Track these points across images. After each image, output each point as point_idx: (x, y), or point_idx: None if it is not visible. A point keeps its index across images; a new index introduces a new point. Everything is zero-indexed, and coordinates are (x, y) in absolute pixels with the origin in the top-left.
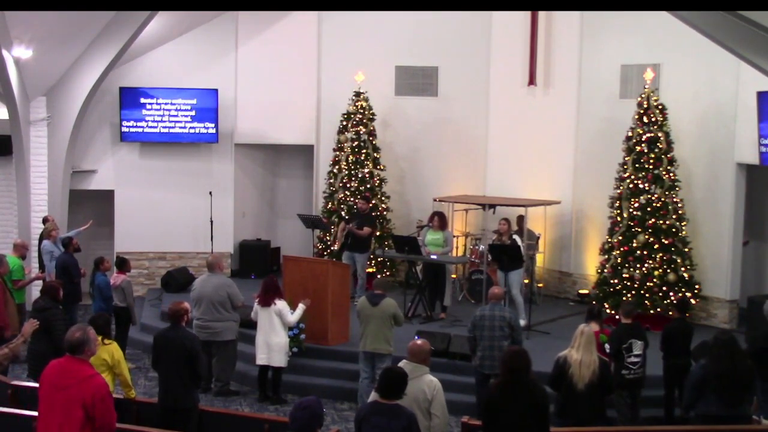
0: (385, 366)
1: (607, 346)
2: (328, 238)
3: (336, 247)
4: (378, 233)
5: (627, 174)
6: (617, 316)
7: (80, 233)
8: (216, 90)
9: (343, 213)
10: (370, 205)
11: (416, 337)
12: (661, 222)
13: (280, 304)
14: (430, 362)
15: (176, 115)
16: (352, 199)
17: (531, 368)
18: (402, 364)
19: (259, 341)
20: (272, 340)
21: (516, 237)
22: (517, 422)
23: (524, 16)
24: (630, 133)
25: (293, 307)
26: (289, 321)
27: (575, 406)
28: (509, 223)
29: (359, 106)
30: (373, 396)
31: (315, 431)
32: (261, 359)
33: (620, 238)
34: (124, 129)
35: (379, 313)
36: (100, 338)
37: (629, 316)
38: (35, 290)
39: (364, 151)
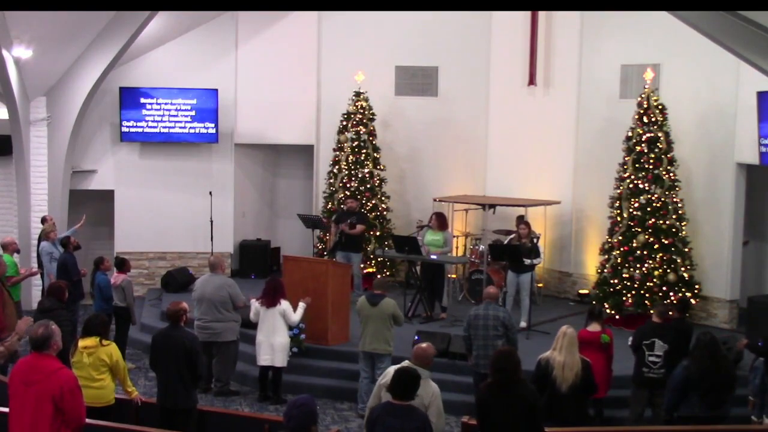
0: (393, 367)
1: (630, 338)
2: (328, 238)
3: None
4: (378, 233)
5: (627, 174)
6: (617, 316)
7: (76, 231)
8: (216, 90)
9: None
10: (370, 204)
11: (416, 337)
12: (661, 222)
13: (284, 305)
14: (432, 365)
15: (176, 115)
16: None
17: (520, 368)
18: (405, 364)
19: (262, 342)
20: (275, 340)
21: (535, 239)
22: (507, 422)
23: (524, 16)
24: (630, 133)
25: (293, 306)
26: (293, 321)
27: (559, 407)
28: (529, 226)
29: (359, 106)
30: (379, 396)
31: (310, 428)
32: (264, 360)
33: (620, 238)
34: (124, 129)
35: (378, 313)
36: (98, 339)
37: (661, 318)
38: (35, 289)
39: (364, 151)
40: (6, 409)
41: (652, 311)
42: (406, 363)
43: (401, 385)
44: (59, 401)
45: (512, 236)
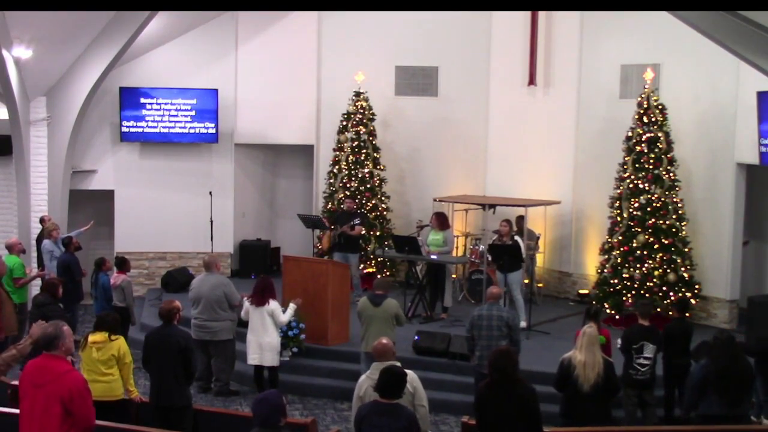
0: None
1: (618, 341)
2: (322, 239)
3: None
4: (378, 233)
5: (627, 174)
6: (617, 316)
7: (81, 234)
8: (216, 90)
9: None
10: (370, 204)
11: (416, 338)
12: (661, 222)
13: (273, 304)
14: (395, 355)
15: (176, 115)
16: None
17: (518, 367)
18: (375, 366)
19: (251, 341)
20: (264, 340)
21: (517, 238)
22: (505, 421)
23: (524, 16)
24: (630, 133)
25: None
26: (282, 321)
27: (581, 407)
28: (510, 225)
29: (359, 106)
30: (360, 396)
31: (279, 421)
32: (253, 359)
33: (620, 238)
34: (124, 129)
35: (381, 314)
36: (107, 335)
37: (645, 318)
38: (34, 289)
39: (364, 151)
40: (6, 410)
41: (636, 313)
42: (375, 365)
43: (388, 384)
44: (68, 403)
45: (495, 237)
